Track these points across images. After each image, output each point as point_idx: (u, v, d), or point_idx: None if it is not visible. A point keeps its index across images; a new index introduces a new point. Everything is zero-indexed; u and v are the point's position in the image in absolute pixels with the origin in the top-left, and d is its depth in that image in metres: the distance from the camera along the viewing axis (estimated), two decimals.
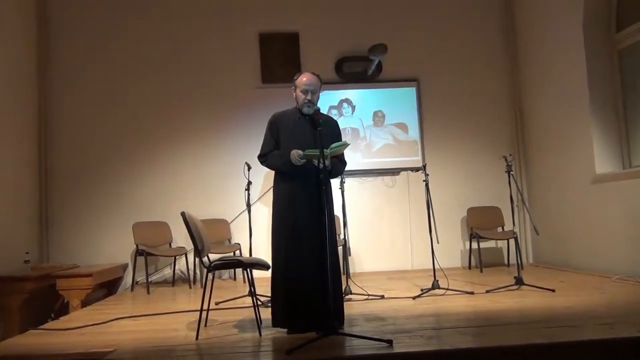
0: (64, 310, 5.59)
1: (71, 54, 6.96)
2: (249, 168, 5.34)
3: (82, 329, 3.86)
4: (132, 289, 6.17)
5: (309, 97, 3.63)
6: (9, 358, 3.17)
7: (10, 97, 6.15)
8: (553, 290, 4.64)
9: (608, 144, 5.80)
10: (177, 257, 6.53)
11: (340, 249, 4.70)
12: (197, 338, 3.39)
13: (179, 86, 7.07)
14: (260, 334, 3.43)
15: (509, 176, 5.02)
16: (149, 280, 6.10)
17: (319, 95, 3.73)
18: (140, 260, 6.10)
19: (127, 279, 6.62)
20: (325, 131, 3.48)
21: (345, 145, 3.57)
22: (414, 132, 7.25)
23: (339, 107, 7.19)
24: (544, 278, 5.53)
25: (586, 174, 5.91)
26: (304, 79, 3.67)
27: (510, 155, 5.31)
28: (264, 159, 3.76)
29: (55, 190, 6.80)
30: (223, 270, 6.81)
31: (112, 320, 4.16)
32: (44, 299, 5.88)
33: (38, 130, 6.76)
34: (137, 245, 6.19)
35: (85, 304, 5.48)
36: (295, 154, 3.50)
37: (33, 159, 6.65)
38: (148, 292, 5.83)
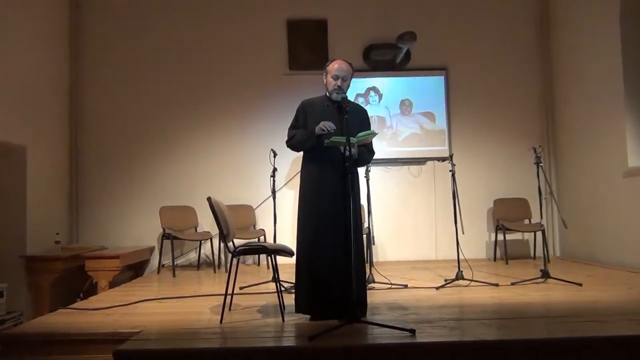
0: (92, 290, 5.73)
1: (102, 39, 7.06)
2: (275, 155, 5.36)
3: (109, 310, 3.94)
4: (158, 272, 6.28)
5: (339, 83, 3.62)
6: (39, 335, 3.26)
7: (42, 80, 6.27)
8: (580, 285, 4.56)
9: None
10: (202, 241, 6.61)
11: (364, 237, 4.69)
12: (221, 321, 3.43)
13: (206, 72, 7.11)
14: (283, 320, 3.46)
15: (538, 168, 4.94)
16: (175, 263, 6.19)
17: (349, 83, 3.71)
18: (167, 243, 6.19)
19: (154, 262, 6.73)
20: (354, 119, 3.48)
21: (373, 134, 3.55)
22: (441, 122, 7.17)
23: (366, 95, 7.15)
24: (571, 272, 5.44)
25: (618, 168, 5.78)
26: (335, 65, 3.66)
27: (539, 146, 5.21)
28: (289, 140, 3.73)
29: (85, 172, 6.94)
30: (247, 256, 6.87)
31: (138, 302, 4.23)
32: (73, 279, 6.03)
33: (69, 113, 6.89)
34: (163, 229, 6.29)
35: (112, 285, 5.60)
36: (322, 124, 3.49)
37: (64, 142, 6.79)
38: (174, 275, 5.93)
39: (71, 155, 6.88)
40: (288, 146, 3.77)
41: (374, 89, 7.16)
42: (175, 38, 7.12)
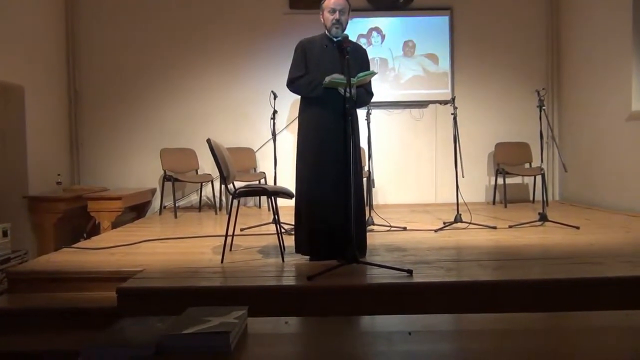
0: (95, 231, 5.80)
1: None
2: (275, 97, 5.30)
3: (113, 249, 4.00)
4: (160, 213, 6.34)
5: (337, 16, 3.49)
6: (43, 273, 3.34)
7: (39, 20, 6.12)
8: (577, 228, 4.60)
9: None
10: (203, 183, 6.64)
11: (364, 180, 4.70)
12: (222, 261, 3.49)
13: (205, 11, 6.92)
14: (283, 260, 3.51)
15: (540, 111, 4.89)
16: (177, 205, 6.24)
17: (347, 19, 3.58)
18: (168, 185, 6.23)
19: (156, 204, 6.79)
20: (354, 60, 3.40)
21: (373, 74, 3.49)
22: (444, 64, 7.04)
23: (368, 36, 6.98)
24: (569, 215, 5.48)
25: (622, 111, 5.71)
26: (331, 0, 3.53)
27: (543, 89, 5.12)
28: (293, 83, 3.62)
29: (84, 113, 6.90)
30: (248, 198, 6.93)
31: (141, 242, 4.29)
32: (76, 219, 6.11)
33: (66, 53, 6.78)
34: (164, 171, 6.30)
35: (115, 225, 5.67)
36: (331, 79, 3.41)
37: (62, 82, 6.71)
38: (175, 217, 5.99)
39: (69, 96, 6.81)
40: (290, 89, 3.68)
41: (376, 29, 6.98)
42: None
